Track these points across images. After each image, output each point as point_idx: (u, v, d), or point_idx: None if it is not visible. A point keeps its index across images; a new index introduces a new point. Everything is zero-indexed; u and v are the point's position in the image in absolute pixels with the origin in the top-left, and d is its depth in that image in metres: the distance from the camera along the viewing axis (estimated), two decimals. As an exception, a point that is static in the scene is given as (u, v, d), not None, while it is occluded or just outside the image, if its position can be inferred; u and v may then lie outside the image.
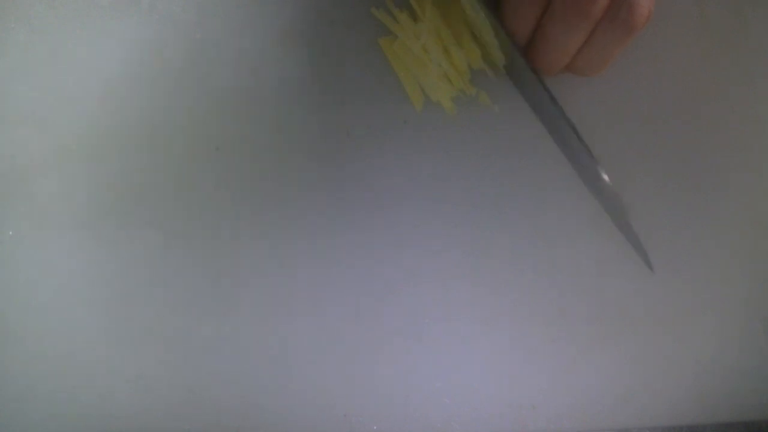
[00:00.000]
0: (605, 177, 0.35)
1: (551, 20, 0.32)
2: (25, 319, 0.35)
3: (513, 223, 0.36)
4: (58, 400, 0.35)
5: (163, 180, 0.36)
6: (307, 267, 0.36)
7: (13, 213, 0.36)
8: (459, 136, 0.37)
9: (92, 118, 0.37)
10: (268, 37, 0.36)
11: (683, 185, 0.37)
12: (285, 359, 0.35)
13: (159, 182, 0.36)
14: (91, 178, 0.36)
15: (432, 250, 0.36)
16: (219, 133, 0.37)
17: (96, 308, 0.35)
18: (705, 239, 0.37)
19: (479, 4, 0.34)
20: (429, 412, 0.35)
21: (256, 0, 0.37)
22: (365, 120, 0.37)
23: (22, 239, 0.36)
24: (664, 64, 0.38)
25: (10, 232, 0.36)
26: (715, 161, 0.37)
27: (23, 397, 0.35)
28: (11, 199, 0.36)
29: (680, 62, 0.38)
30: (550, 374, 0.35)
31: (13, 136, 0.36)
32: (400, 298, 0.36)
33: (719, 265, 0.36)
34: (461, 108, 0.37)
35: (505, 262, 0.36)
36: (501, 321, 0.36)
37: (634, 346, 0.36)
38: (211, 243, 0.36)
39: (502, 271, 0.36)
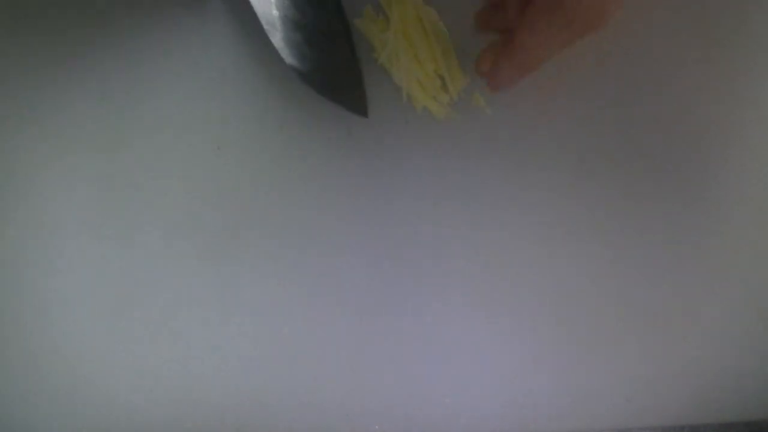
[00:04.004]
0: None
1: None
2: (26, 319, 0.35)
3: (513, 223, 0.36)
4: (60, 399, 0.35)
5: (164, 179, 0.36)
6: (307, 266, 0.36)
7: (14, 213, 0.36)
8: (459, 135, 0.37)
9: (93, 117, 0.37)
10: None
11: (683, 185, 0.37)
12: (287, 359, 0.35)
13: (160, 182, 0.36)
14: (92, 178, 0.36)
15: (433, 250, 0.36)
16: (220, 132, 0.37)
17: (97, 308, 0.35)
18: (705, 239, 0.37)
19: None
20: (430, 411, 0.35)
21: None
22: (366, 120, 0.37)
23: (23, 239, 0.36)
24: (663, 61, 0.38)
25: (12, 232, 0.36)
26: (716, 161, 0.37)
27: (24, 396, 0.35)
28: (12, 200, 0.36)
29: (679, 59, 0.38)
30: (552, 374, 0.35)
31: (13, 136, 0.36)
32: (400, 297, 0.36)
33: (719, 264, 0.36)
34: (462, 108, 0.37)
35: (506, 261, 0.36)
36: (502, 321, 0.36)
37: (635, 346, 0.36)
38: (212, 242, 0.36)
39: (503, 271, 0.36)
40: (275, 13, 0.36)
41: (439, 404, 0.35)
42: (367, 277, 0.36)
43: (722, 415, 0.35)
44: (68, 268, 0.35)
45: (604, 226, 0.36)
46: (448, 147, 0.37)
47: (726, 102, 0.38)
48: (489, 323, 0.36)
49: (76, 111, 0.37)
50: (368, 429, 0.35)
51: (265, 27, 0.36)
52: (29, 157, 0.36)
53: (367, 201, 0.36)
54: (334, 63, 0.37)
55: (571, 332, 0.36)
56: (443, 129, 0.37)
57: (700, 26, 0.38)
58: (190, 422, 0.35)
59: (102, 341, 0.35)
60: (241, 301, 0.36)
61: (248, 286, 0.36)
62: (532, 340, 0.36)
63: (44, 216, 0.36)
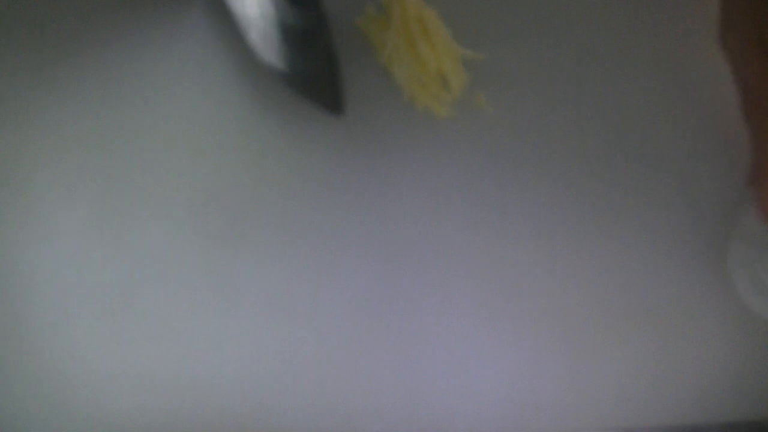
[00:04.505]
0: None
1: None
2: (27, 318, 0.35)
3: (514, 223, 0.36)
4: (60, 399, 0.35)
5: (164, 179, 0.36)
6: (309, 266, 0.36)
7: (14, 213, 0.36)
8: (461, 135, 0.37)
9: (93, 117, 0.37)
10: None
11: (684, 185, 0.37)
12: (287, 359, 0.35)
13: (160, 182, 0.36)
14: (92, 178, 0.36)
15: (433, 250, 0.36)
16: (220, 132, 0.37)
17: (98, 308, 0.35)
18: (706, 239, 0.37)
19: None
20: (432, 412, 0.35)
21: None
22: (367, 120, 0.37)
23: (24, 239, 0.36)
24: (665, 61, 0.38)
25: (12, 232, 0.36)
26: (718, 161, 0.37)
27: (23, 396, 0.35)
28: (13, 199, 0.36)
29: (681, 58, 0.38)
30: (554, 374, 0.35)
31: (13, 136, 0.36)
32: (402, 297, 0.36)
33: (720, 264, 0.36)
34: (463, 107, 0.37)
35: (507, 261, 0.36)
36: (504, 321, 0.36)
37: (637, 346, 0.36)
38: (212, 242, 0.36)
39: (504, 271, 0.36)
40: (253, 10, 0.35)
41: (439, 404, 0.35)
42: (368, 278, 0.36)
43: (722, 415, 0.35)
44: (68, 268, 0.35)
45: (605, 226, 0.36)
46: (449, 147, 0.37)
47: (728, 101, 0.38)
48: (490, 323, 0.36)
49: (77, 111, 0.37)
50: (368, 429, 0.35)
51: (241, 25, 0.36)
52: (29, 157, 0.36)
53: (367, 201, 0.36)
54: (309, 61, 0.36)
55: (572, 332, 0.36)
56: (444, 129, 0.37)
57: (702, 26, 0.38)
58: (190, 423, 0.35)
59: (101, 341, 0.35)
60: (241, 301, 0.35)
61: (248, 286, 0.36)
62: (532, 340, 0.36)
63: (44, 216, 0.36)
